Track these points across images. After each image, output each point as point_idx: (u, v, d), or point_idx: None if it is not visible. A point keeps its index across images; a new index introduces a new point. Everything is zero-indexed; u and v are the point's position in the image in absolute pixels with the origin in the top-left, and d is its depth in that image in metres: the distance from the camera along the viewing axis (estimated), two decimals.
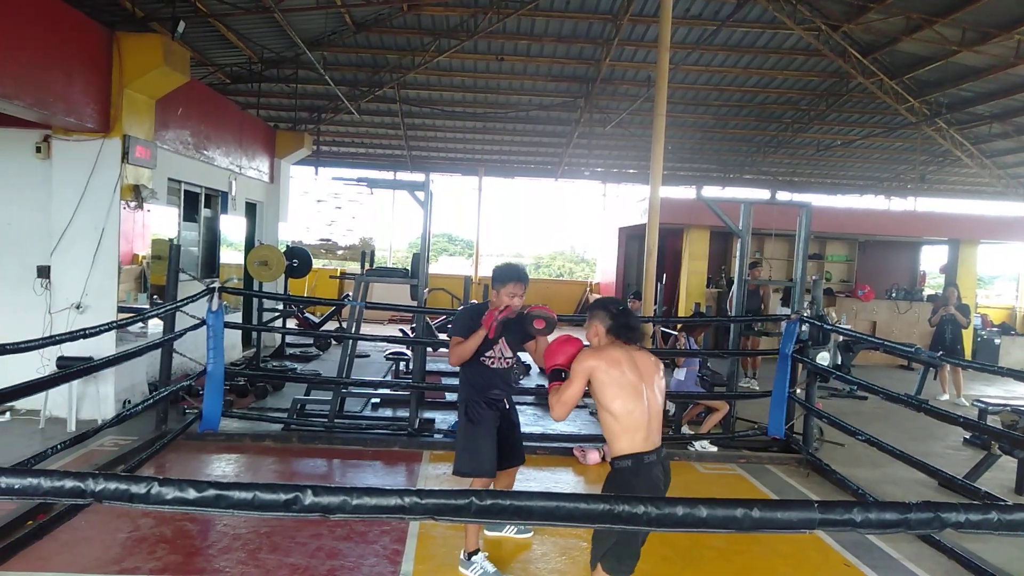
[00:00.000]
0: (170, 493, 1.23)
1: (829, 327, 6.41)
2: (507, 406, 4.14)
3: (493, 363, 4.02)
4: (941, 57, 11.05)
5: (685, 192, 18.71)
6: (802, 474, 6.11)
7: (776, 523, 1.44)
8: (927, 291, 15.23)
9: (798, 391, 6.41)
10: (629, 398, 2.95)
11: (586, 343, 3.26)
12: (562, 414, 2.99)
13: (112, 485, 1.23)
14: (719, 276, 14.42)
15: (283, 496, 1.26)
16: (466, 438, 3.98)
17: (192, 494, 1.24)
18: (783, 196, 18.27)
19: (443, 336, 9.93)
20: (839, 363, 9.68)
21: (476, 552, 3.97)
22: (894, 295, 14.01)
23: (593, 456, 6.13)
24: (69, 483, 1.22)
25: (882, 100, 12.80)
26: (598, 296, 3.32)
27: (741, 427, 7.07)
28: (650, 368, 3.09)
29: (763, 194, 18.61)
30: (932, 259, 15.80)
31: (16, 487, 1.22)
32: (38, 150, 6.55)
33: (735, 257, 12.31)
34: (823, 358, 6.24)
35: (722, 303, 13.14)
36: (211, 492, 1.25)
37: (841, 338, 9.43)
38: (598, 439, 6.57)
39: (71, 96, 5.96)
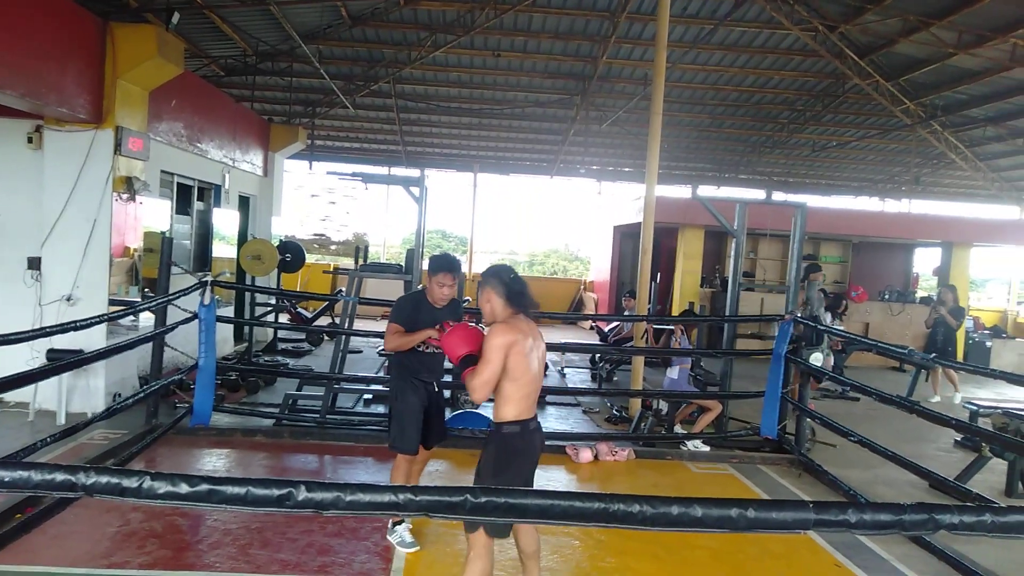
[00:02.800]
0: (162, 487, 1.22)
1: (823, 328, 6.42)
2: (435, 389, 4.35)
3: (426, 349, 4.18)
4: (937, 59, 11.08)
5: (680, 191, 18.72)
6: (794, 474, 6.12)
7: (771, 523, 1.43)
8: (920, 293, 15.31)
9: (790, 392, 6.43)
10: (531, 368, 3.13)
11: (482, 326, 3.43)
12: (484, 395, 3.10)
13: (103, 479, 1.21)
14: (713, 275, 14.45)
15: (276, 491, 1.25)
16: (396, 418, 4.24)
17: (184, 488, 1.22)
18: (778, 196, 18.31)
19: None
20: (832, 364, 9.70)
21: (401, 522, 4.24)
22: (887, 297, 14.08)
23: (586, 454, 6.13)
24: (60, 476, 1.20)
25: (878, 102, 12.83)
26: (492, 265, 3.47)
27: (734, 427, 7.09)
28: (539, 337, 3.27)
29: (758, 194, 18.63)
30: (925, 261, 15.88)
31: (6, 479, 1.20)
32: (29, 140, 6.50)
33: (729, 257, 12.35)
34: (816, 358, 6.25)
35: (716, 303, 13.17)
36: (204, 487, 1.23)
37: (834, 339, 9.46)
38: (590, 438, 6.57)
39: (64, 86, 5.91)
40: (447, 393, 7.91)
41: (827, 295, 12.25)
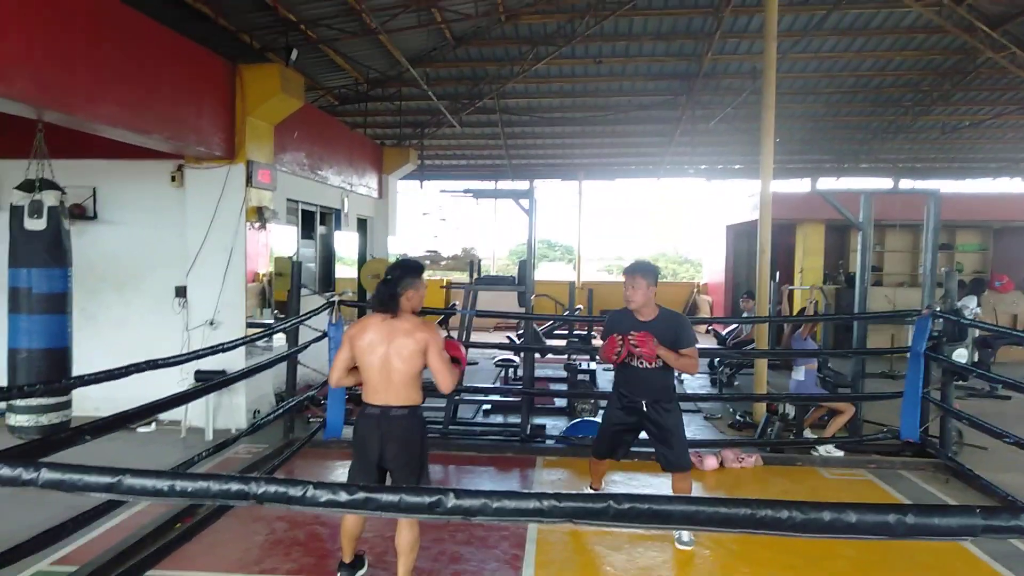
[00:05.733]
0: (324, 496, 1.30)
1: (966, 321, 5.97)
2: (643, 407, 4.44)
3: (634, 362, 4.41)
4: None
5: (797, 185, 17.96)
6: (941, 480, 5.72)
7: (933, 530, 1.35)
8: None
9: (932, 391, 6.00)
10: (368, 360, 3.53)
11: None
12: (333, 378, 3.75)
13: (272, 488, 1.31)
14: (836, 272, 13.74)
15: (427, 499, 1.31)
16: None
17: (344, 496, 1.31)
18: (906, 184, 17.21)
19: (550, 342, 9.96)
20: (977, 360, 9.00)
21: None
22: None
23: (711, 462, 5.97)
24: (235, 486, 1.31)
25: (1015, 75, 11.81)
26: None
27: (869, 430, 6.70)
28: (400, 336, 3.51)
29: (884, 183, 17.59)
30: None
31: (189, 490, 1.33)
32: (172, 179, 7.08)
33: (854, 251, 11.71)
34: (960, 355, 5.81)
35: (842, 300, 12.51)
36: (361, 495, 1.31)
37: (979, 333, 8.77)
38: (714, 444, 6.40)
39: (201, 127, 6.41)
40: (561, 402, 7.94)
41: (964, 285, 11.39)
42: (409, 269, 3.65)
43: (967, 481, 5.54)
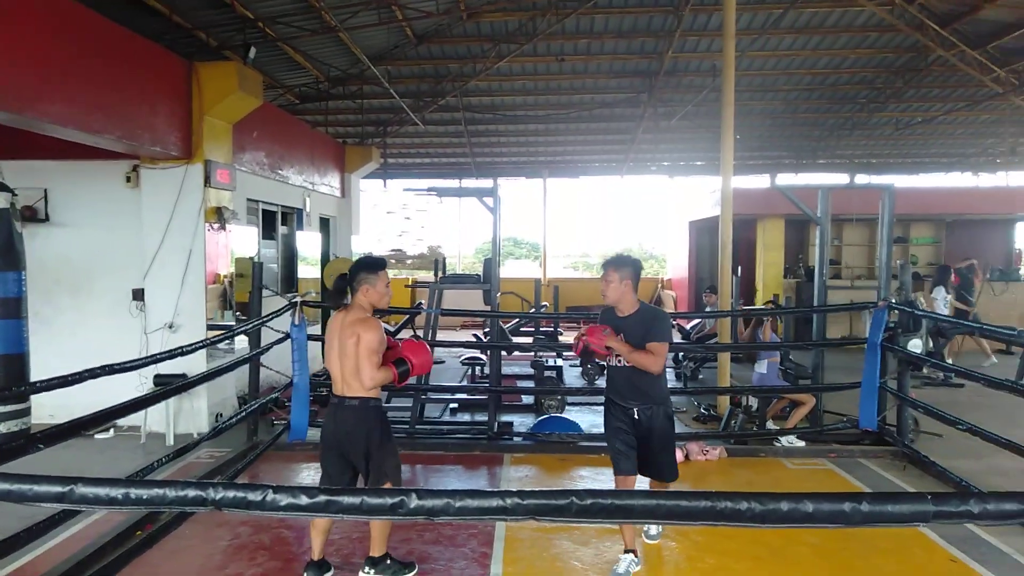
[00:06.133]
0: (284, 500, 1.29)
1: (920, 312, 6.13)
2: (635, 416, 4.03)
3: (613, 360, 4.10)
4: None
5: (757, 181, 18.23)
6: (898, 467, 5.86)
7: (887, 517, 1.38)
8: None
9: (889, 381, 6.15)
10: (329, 354, 3.74)
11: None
12: None
13: (231, 493, 1.29)
14: (796, 266, 13.99)
15: (390, 500, 1.30)
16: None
17: (304, 500, 1.29)
18: (862, 179, 17.58)
19: (516, 340, 9.97)
20: (931, 350, 9.24)
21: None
22: (988, 276, 13.26)
23: (676, 455, 6.02)
24: (192, 492, 1.29)
25: (965, 72, 12.16)
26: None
27: (829, 420, 6.84)
28: (345, 329, 3.66)
29: (840, 178, 17.95)
30: None
31: (145, 497, 1.30)
32: (128, 179, 6.92)
33: (813, 245, 11.94)
34: (915, 345, 5.97)
35: (802, 294, 12.75)
36: (322, 498, 1.29)
37: (932, 324, 9.00)
38: (679, 437, 6.47)
39: (156, 127, 6.27)
40: (528, 399, 7.97)
41: (920, 278, 11.70)
42: (365, 264, 3.80)
43: (923, 468, 5.69)
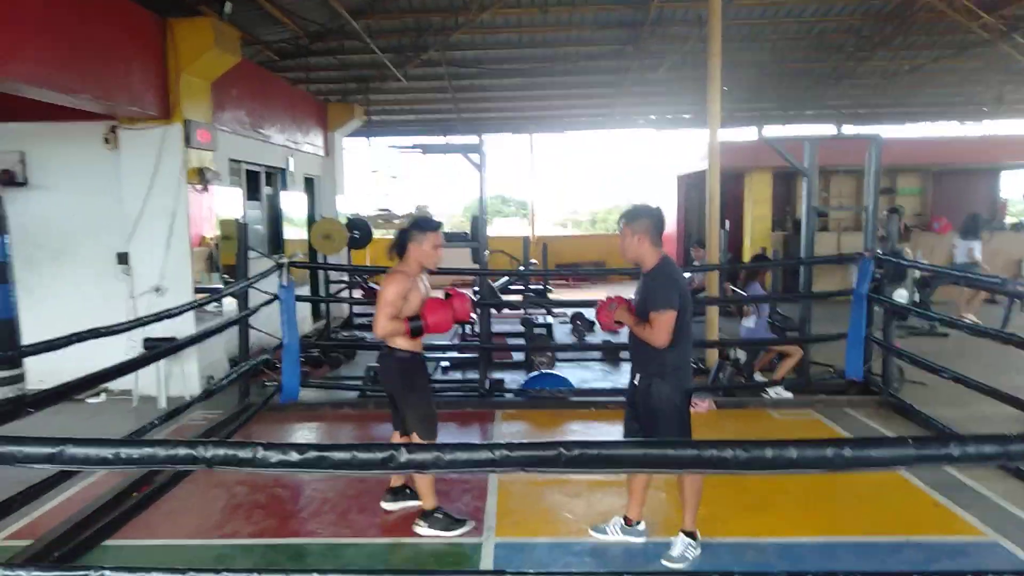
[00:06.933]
0: (275, 456, 1.29)
1: (906, 263, 6.18)
2: (635, 383, 3.70)
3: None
4: None
5: (745, 134, 18.12)
6: (883, 416, 5.97)
7: (870, 461, 1.41)
8: (1009, 219, 14.49)
9: (875, 332, 6.23)
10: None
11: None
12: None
13: (221, 451, 1.30)
14: (784, 219, 14.02)
15: (380, 455, 1.31)
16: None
17: (295, 456, 1.30)
18: (849, 130, 17.53)
19: (506, 297, 9.99)
20: (917, 300, 9.34)
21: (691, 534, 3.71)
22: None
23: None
24: (182, 451, 1.29)
25: (952, 19, 12.02)
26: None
27: (816, 371, 6.93)
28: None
29: (828, 129, 17.88)
30: (1014, 185, 14.97)
31: (135, 456, 1.30)
32: (106, 141, 6.79)
33: (800, 198, 11.95)
34: (900, 295, 6.03)
35: (790, 246, 12.80)
36: (312, 454, 1.30)
37: (918, 274, 9.08)
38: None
39: (132, 85, 6.13)
40: (519, 356, 8.01)
41: (909, 229, 11.76)
42: (417, 223, 4.02)
43: (908, 416, 5.80)
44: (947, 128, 18.46)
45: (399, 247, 3.98)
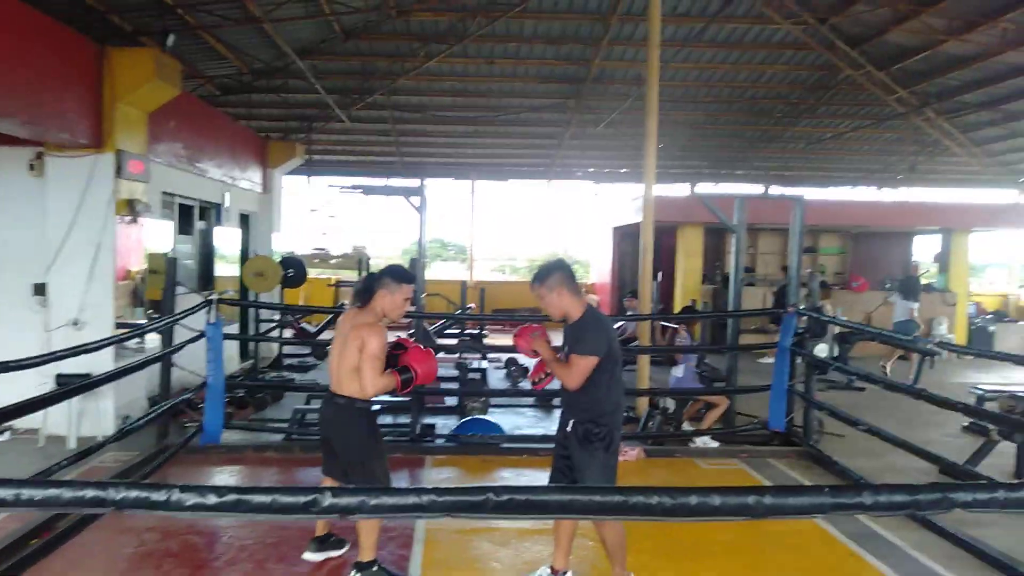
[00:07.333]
0: (190, 499, 1.24)
1: (827, 319, 6.45)
2: (568, 429, 3.66)
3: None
4: (928, 47, 11.11)
5: (678, 189, 18.74)
6: (803, 466, 6.13)
7: (788, 509, 1.45)
8: (922, 280, 15.31)
9: (797, 384, 6.44)
10: (333, 348, 3.83)
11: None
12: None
13: (132, 493, 1.23)
14: (714, 272, 14.47)
15: (302, 499, 1.27)
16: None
17: (212, 499, 1.25)
18: (776, 190, 18.33)
19: (441, 340, 9.93)
20: (836, 355, 9.72)
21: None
22: (888, 286, 14.08)
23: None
24: (90, 492, 1.23)
25: (871, 91, 12.87)
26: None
27: (741, 422, 7.10)
28: (353, 330, 3.68)
29: (756, 189, 18.67)
30: (925, 248, 15.89)
31: (37, 498, 1.23)
32: (31, 167, 6.53)
33: (729, 253, 12.38)
34: (821, 350, 6.27)
35: (718, 299, 13.20)
36: (231, 497, 1.26)
37: (838, 330, 9.47)
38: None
39: (63, 112, 5.95)
40: (452, 401, 7.94)
41: (827, 286, 12.28)
42: (394, 273, 3.80)
43: (827, 467, 5.97)
44: (866, 193, 19.52)
45: (367, 292, 3.72)
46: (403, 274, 3.80)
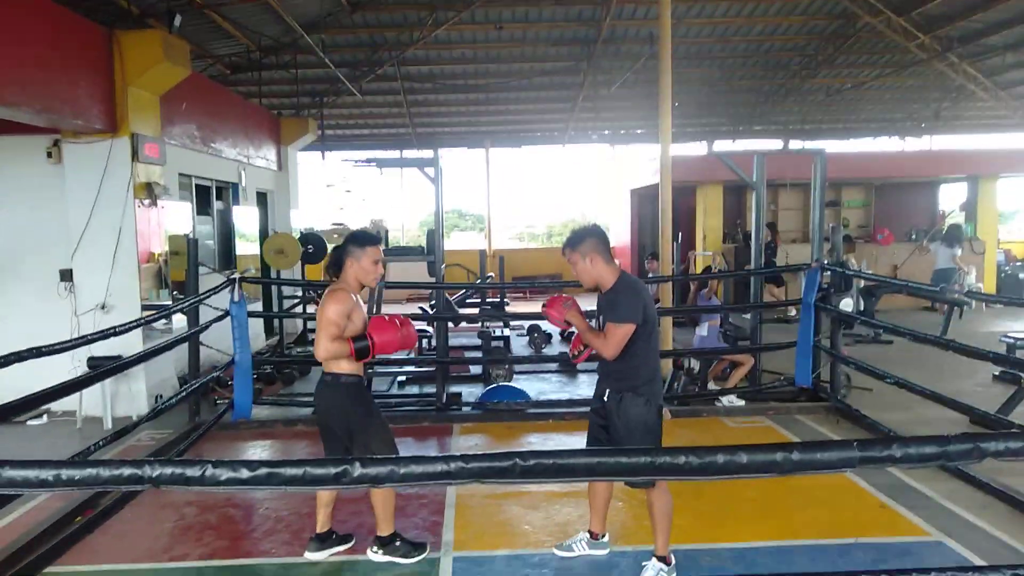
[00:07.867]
0: (224, 474, 1.27)
1: (851, 272, 6.37)
2: (604, 400, 3.59)
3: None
4: None
5: (696, 148, 18.51)
6: (832, 421, 6.12)
7: (816, 464, 1.45)
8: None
9: (823, 340, 6.39)
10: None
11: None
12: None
13: (168, 470, 1.26)
14: (735, 231, 14.32)
15: (333, 470, 1.29)
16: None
17: (245, 473, 1.27)
18: (795, 145, 18.03)
19: (463, 310, 9.97)
20: (862, 309, 9.62)
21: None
22: (914, 237, 13.85)
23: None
24: (127, 471, 1.26)
25: (891, 39, 12.51)
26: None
27: (767, 379, 7.08)
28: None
29: (775, 144, 18.37)
30: (952, 198, 15.57)
31: (77, 478, 1.26)
32: (49, 155, 6.60)
33: (750, 210, 12.25)
34: (846, 304, 6.21)
35: (740, 257, 13.08)
36: (263, 471, 1.28)
37: (863, 283, 9.36)
38: None
39: (77, 99, 5.97)
40: (476, 369, 7.99)
41: (850, 240, 12.10)
42: (353, 238, 3.72)
43: (855, 421, 5.95)
44: (888, 143, 19.12)
45: (335, 265, 3.67)
46: (365, 238, 3.69)
